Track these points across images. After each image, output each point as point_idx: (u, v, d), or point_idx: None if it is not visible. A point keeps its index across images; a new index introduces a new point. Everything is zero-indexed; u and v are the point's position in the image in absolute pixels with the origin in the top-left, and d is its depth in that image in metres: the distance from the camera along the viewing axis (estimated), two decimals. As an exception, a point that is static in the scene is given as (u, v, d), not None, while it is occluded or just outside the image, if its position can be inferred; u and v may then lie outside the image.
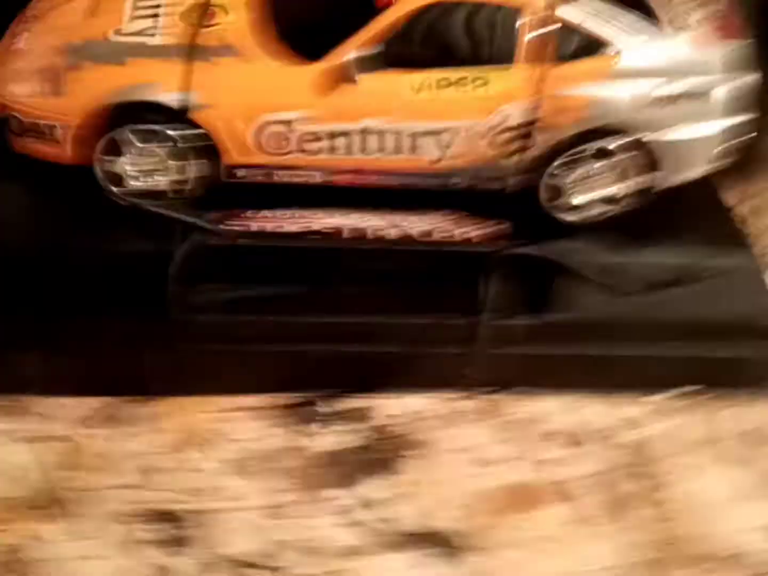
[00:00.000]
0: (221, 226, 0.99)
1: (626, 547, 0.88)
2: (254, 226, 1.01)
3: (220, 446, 0.93)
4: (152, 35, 0.95)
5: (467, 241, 1.01)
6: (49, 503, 0.87)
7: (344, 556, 0.88)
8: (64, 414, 0.92)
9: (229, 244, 0.97)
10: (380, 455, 0.95)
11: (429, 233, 1.02)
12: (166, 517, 0.88)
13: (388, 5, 0.93)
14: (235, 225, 1.00)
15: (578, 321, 0.98)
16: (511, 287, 0.97)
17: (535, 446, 0.96)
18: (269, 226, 1.01)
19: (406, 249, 1.01)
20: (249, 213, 1.02)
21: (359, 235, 1.01)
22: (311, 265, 1.00)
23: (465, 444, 0.97)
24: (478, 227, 1.03)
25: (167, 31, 0.95)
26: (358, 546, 0.89)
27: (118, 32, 0.96)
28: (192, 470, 0.92)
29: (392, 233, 1.02)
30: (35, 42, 0.98)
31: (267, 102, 0.93)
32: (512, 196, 1.02)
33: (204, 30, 0.95)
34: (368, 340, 0.98)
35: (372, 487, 0.92)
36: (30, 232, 0.94)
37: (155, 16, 0.98)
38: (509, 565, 0.88)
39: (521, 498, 0.92)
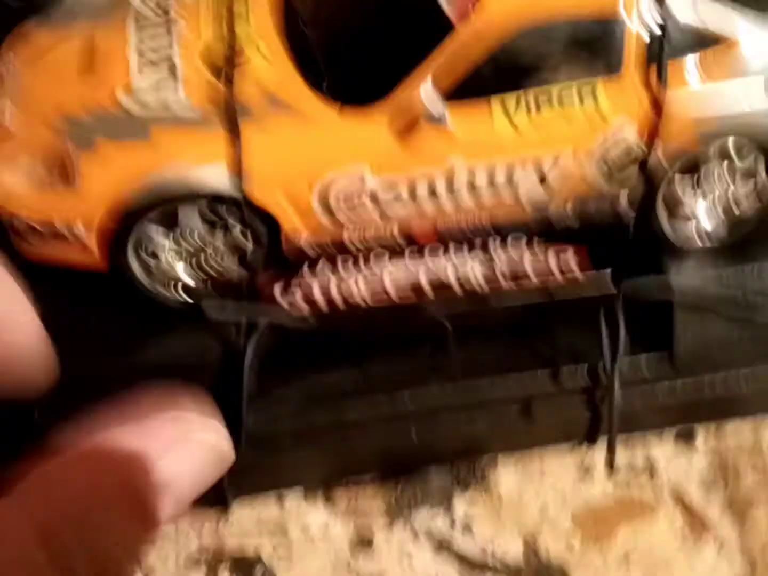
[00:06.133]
0: (280, 298, 0.83)
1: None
2: (316, 291, 0.85)
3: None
4: (174, 91, 0.72)
5: (567, 269, 0.87)
6: None
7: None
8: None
9: (297, 326, 0.81)
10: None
11: (519, 262, 0.87)
12: None
13: (466, 19, 0.71)
14: (295, 291, 0.84)
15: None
16: (630, 323, 0.84)
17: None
18: (336, 291, 0.84)
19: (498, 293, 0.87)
20: (305, 272, 0.86)
21: (442, 287, 0.85)
22: (395, 331, 0.86)
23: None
24: (559, 253, 0.88)
25: (193, 84, 0.72)
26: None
27: (128, 90, 0.72)
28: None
29: (478, 275, 0.87)
30: (22, 114, 0.74)
31: (332, 158, 0.73)
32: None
33: (236, 74, 0.72)
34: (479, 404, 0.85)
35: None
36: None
37: (169, 60, 0.74)
38: None
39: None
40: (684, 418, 0.90)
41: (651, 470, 0.85)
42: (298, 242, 0.79)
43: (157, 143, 0.70)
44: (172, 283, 0.76)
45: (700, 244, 0.84)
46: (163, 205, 0.71)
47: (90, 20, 0.82)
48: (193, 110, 0.72)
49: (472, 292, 0.83)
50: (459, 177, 0.77)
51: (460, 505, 0.83)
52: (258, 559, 0.77)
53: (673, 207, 0.85)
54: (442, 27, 0.73)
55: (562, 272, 0.85)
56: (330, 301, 0.84)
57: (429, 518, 0.82)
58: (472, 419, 0.85)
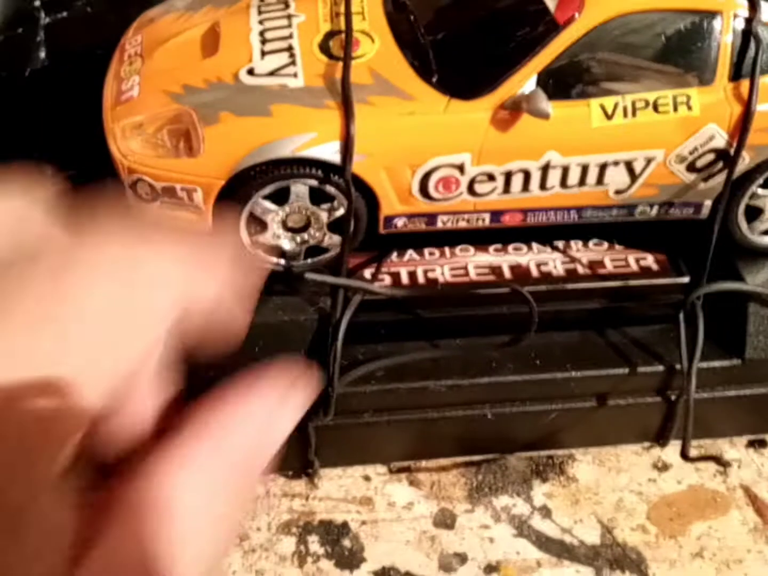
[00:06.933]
0: (373, 279, 0.86)
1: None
2: (404, 272, 0.89)
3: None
4: (294, 75, 0.77)
5: (647, 271, 0.90)
6: None
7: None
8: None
9: (387, 298, 0.84)
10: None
11: (600, 263, 0.90)
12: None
13: (571, 21, 0.76)
14: (384, 273, 0.88)
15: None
16: (708, 326, 0.86)
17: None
18: (422, 272, 0.89)
19: (577, 288, 0.90)
20: (394, 257, 0.90)
21: (522, 273, 0.89)
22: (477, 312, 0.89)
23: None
24: (640, 258, 0.92)
25: (310, 69, 0.78)
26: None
27: (251, 72, 0.78)
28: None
29: (559, 266, 0.91)
30: (148, 88, 0.80)
31: (436, 144, 0.77)
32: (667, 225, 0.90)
33: (352, 63, 0.78)
34: (555, 397, 0.87)
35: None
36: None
37: (290, 49, 0.80)
38: None
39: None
40: (755, 425, 0.92)
41: (723, 472, 0.87)
42: (395, 223, 0.84)
43: (276, 119, 0.76)
44: (274, 250, 0.80)
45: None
46: (276, 177, 0.76)
47: (214, 7, 0.89)
48: (310, 92, 0.77)
49: (551, 277, 0.87)
50: (553, 170, 0.81)
51: (539, 496, 0.85)
52: (347, 531, 0.78)
53: (755, 213, 0.87)
54: (548, 25, 0.77)
55: (641, 274, 0.89)
56: (416, 286, 0.88)
57: (509, 505, 0.83)
58: (547, 411, 0.88)
